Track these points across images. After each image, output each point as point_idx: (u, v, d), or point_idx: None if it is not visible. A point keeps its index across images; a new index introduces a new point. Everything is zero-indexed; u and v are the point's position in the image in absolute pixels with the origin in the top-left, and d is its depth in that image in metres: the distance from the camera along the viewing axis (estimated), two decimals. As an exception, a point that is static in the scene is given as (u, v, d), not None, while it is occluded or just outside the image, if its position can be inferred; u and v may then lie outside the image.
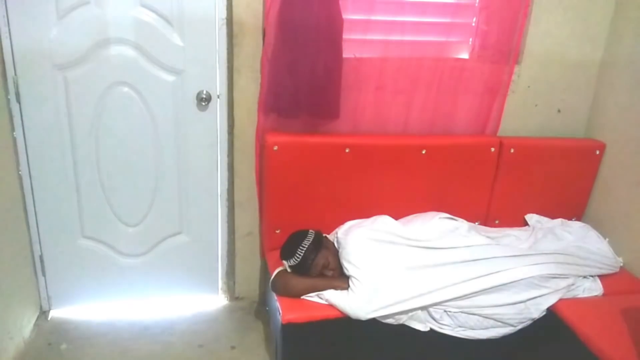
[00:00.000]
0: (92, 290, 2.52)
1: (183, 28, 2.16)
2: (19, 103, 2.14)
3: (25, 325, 2.32)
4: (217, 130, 2.35)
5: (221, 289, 2.66)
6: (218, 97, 2.29)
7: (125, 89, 2.21)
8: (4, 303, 2.11)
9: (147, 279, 2.55)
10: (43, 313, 2.49)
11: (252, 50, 2.22)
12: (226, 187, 2.45)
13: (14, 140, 2.18)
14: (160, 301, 2.60)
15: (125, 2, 2.09)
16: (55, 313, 2.51)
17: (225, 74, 2.26)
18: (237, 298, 2.67)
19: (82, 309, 2.53)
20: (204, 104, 2.28)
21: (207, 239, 2.54)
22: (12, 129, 2.16)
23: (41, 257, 2.40)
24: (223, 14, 2.17)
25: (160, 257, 2.53)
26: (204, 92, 2.26)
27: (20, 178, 2.24)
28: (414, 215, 2.37)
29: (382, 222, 2.26)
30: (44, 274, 2.44)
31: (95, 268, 2.47)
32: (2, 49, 2.05)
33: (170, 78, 2.23)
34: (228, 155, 2.39)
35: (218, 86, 2.28)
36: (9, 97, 2.11)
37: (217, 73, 2.26)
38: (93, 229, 2.42)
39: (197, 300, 2.64)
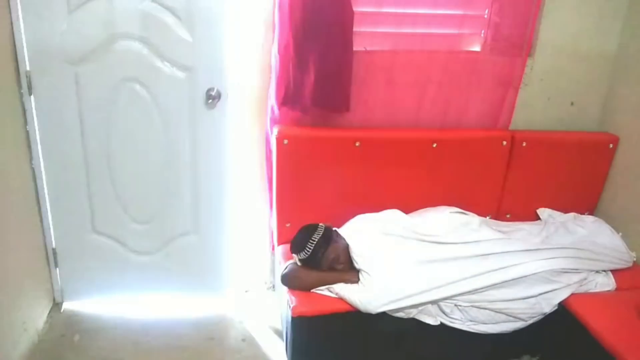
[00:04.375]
0: (104, 285, 2.53)
1: (193, 23, 2.15)
2: (32, 97, 2.15)
3: (39, 317, 2.34)
4: (227, 124, 2.34)
5: (231, 282, 2.66)
6: (228, 92, 2.28)
7: (135, 85, 2.20)
8: (18, 295, 2.14)
9: (158, 277, 2.54)
10: (56, 305, 2.51)
11: (262, 44, 2.21)
12: (235, 182, 2.45)
13: (27, 133, 2.20)
14: (170, 298, 2.60)
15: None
16: (68, 305, 2.53)
17: (236, 69, 2.25)
18: (247, 292, 2.68)
19: (94, 301, 2.55)
20: (210, 101, 2.24)
21: (217, 234, 2.52)
22: (25, 123, 2.18)
23: (54, 250, 2.43)
24: (233, 7, 2.16)
25: (171, 254, 2.51)
26: (214, 87, 2.24)
27: (33, 171, 2.26)
28: (425, 209, 2.36)
29: (393, 216, 2.26)
30: (57, 267, 2.46)
31: (106, 263, 2.48)
32: (14, 43, 2.06)
33: (180, 74, 2.21)
34: (238, 150, 2.39)
35: (228, 81, 2.27)
36: (22, 91, 2.13)
37: (228, 68, 2.25)
38: (103, 224, 2.42)
39: (208, 296, 2.63)
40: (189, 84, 2.23)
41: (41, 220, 2.35)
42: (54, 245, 2.42)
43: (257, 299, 2.65)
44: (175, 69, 2.21)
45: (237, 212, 2.52)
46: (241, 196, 2.49)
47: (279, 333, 2.39)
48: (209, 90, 2.23)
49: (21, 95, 2.13)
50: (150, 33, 2.14)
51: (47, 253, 2.42)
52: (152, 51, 2.17)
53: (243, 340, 2.37)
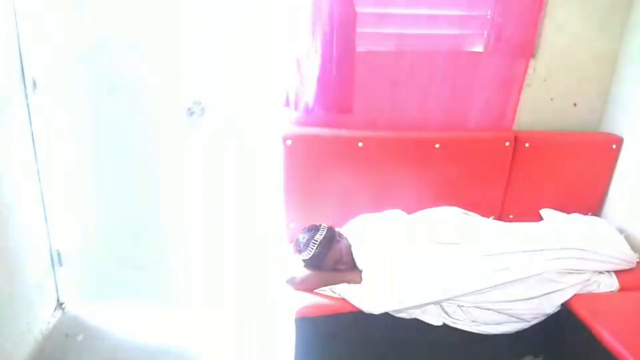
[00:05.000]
0: (104, 290, 2.49)
1: (179, 30, 2.07)
2: (36, 97, 2.16)
3: (43, 317, 2.35)
4: (211, 138, 2.25)
5: (224, 301, 2.56)
6: (212, 104, 2.20)
7: (123, 92, 2.12)
8: (23, 295, 2.15)
9: (151, 291, 2.48)
10: (60, 305, 2.52)
11: (266, 45, 2.21)
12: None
13: (32, 133, 2.21)
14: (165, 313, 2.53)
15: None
16: (72, 305, 2.53)
17: (223, 80, 2.22)
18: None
19: (97, 304, 2.53)
20: (191, 113, 2.15)
21: (215, 249, 2.44)
22: (30, 123, 2.19)
23: (58, 251, 2.43)
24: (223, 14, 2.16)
25: (162, 271, 2.44)
26: (199, 101, 2.13)
27: (38, 172, 2.27)
28: (428, 209, 2.36)
29: (395, 217, 2.26)
30: (61, 267, 2.46)
31: (104, 270, 2.44)
32: (19, 42, 2.07)
33: (164, 82, 2.13)
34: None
35: (214, 92, 2.19)
36: (27, 91, 2.14)
37: (214, 79, 2.19)
38: (98, 232, 2.37)
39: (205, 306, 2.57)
40: (174, 93, 2.12)
41: (46, 222, 2.36)
42: (58, 246, 2.42)
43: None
44: (160, 77, 2.10)
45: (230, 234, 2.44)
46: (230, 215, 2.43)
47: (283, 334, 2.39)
48: (193, 102, 2.11)
49: (26, 95, 2.14)
50: (137, 37, 2.05)
51: (51, 253, 2.42)
52: (138, 58, 2.08)
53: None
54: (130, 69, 2.12)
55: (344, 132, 2.30)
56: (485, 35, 2.40)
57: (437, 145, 2.33)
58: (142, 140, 2.24)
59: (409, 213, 2.31)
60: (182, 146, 2.25)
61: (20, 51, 2.08)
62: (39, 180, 2.28)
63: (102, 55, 2.11)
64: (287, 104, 2.27)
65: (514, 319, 2.03)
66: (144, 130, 2.22)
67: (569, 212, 2.53)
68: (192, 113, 2.15)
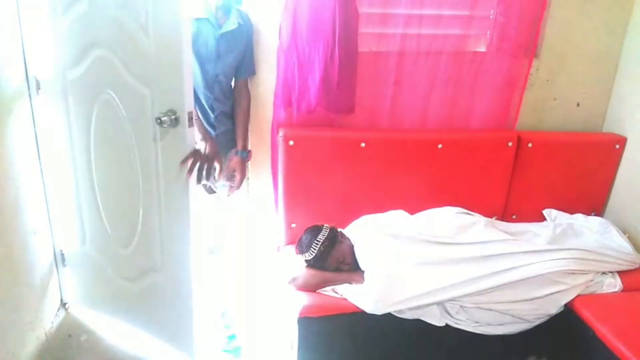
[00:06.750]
0: (103, 296, 2.44)
1: (157, 34, 1.82)
2: (39, 100, 2.17)
3: (47, 317, 2.36)
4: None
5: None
6: (187, 115, 1.91)
7: (107, 97, 2.01)
8: (26, 295, 2.16)
9: (140, 307, 2.31)
10: (63, 305, 2.53)
11: (268, 44, 2.22)
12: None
13: (36, 135, 2.22)
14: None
15: (108, 1, 1.87)
16: (75, 305, 2.54)
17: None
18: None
19: (98, 306, 2.51)
20: (163, 125, 1.83)
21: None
22: (34, 125, 2.20)
23: (62, 251, 2.44)
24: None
25: (145, 288, 2.24)
26: (175, 110, 1.83)
27: (42, 173, 2.28)
28: (430, 210, 2.36)
29: (398, 217, 2.26)
30: (64, 268, 2.47)
31: (99, 277, 2.38)
32: (23, 44, 2.08)
33: (143, 89, 1.92)
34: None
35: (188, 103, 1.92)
36: (30, 92, 2.15)
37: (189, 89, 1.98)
38: (91, 238, 2.33)
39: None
40: (151, 100, 1.90)
41: (50, 222, 2.36)
42: (61, 247, 2.43)
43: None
44: (138, 83, 1.91)
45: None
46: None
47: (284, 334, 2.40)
48: (168, 111, 1.83)
49: (30, 97, 2.15)
50: (118, 42, 1.91)
51: (55, 254, 2.43)
52: (120, 62, 1.93)
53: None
54: (113, 71, 1.96)
55: (346, 133, 2.30)
56: (488, 36, 2.40)
57: (439, 146, 2.33)
58: (124, 146, 2.05)
59: (411, 213, 2.31)
60: (162, 155, 1.99)
61: (24, 52, 2.09)
62: (43, 181, 2.29)
63: (85, 56, 2.02)
64: (289, 104, 2.27)
65: (516, 319, 2.03)
66: (126, 136, 2.03)
67: (572, 213, 2.52)
68: (162, 123, 1.85)
